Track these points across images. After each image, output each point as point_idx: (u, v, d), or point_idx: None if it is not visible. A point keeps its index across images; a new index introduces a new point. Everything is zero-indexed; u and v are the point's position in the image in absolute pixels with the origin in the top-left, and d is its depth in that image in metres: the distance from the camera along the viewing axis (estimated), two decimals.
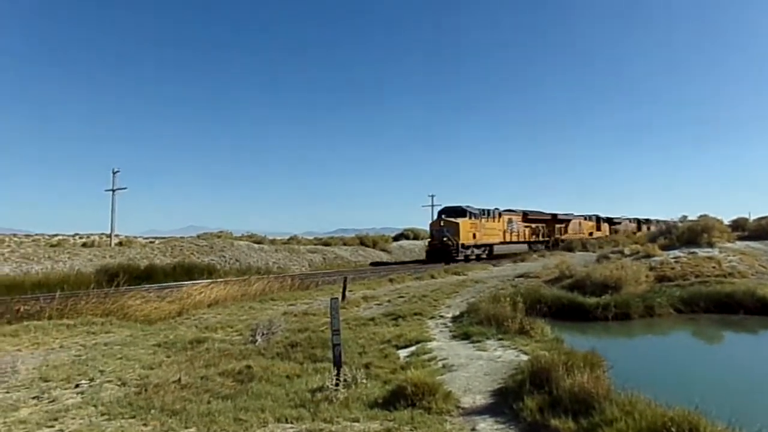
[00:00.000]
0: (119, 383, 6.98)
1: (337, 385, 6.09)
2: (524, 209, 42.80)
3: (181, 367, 7.58)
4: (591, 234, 50.22)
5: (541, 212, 44.83)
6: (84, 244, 33.60)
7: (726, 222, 30.45)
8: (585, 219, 51.43)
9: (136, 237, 42.13)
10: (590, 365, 6.05)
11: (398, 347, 8.91)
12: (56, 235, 45.09)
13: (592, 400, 5.11)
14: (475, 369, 7.28)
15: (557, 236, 45.13)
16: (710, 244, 21.78)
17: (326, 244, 44.63)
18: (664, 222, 62.06)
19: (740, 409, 5.19)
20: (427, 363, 7.72)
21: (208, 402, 5.94)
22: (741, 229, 31.13)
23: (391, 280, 20.61)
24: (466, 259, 32.55)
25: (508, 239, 38.73)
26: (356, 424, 5.20)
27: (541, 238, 43.34)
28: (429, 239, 35.60)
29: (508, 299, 11.48)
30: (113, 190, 36.90)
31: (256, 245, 36.85)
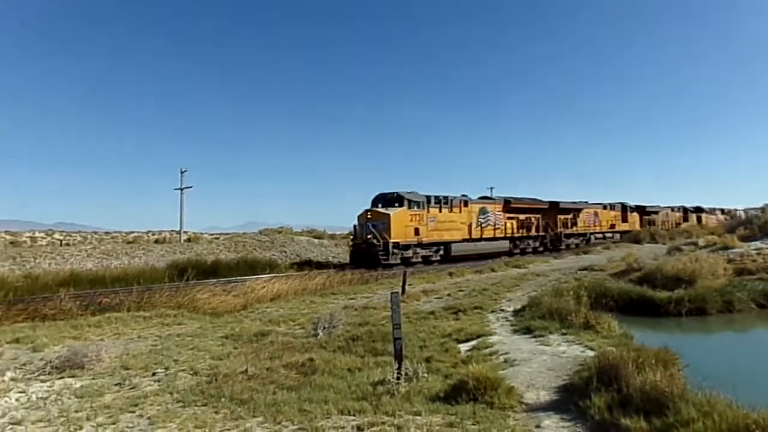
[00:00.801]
0: (192, 372, 7.34)
1: (398, 378, 6.12)
2: (507, 196, 33.74)
3: (247, 359, 7.88)
4: (613, 227, 42.39)
5: (534, 200, 35.83)
6: (156, 241, 35.59)
7: None
8: (605, 208, 42.41)
9: (201, 233, 44.16)
10: (663, 363, 5.78)
11: (459, 341, 8.85)
12: (132, 233, 48.12)
13: (665, 399, 4.86)
14: (538, 364, 7.11)
15: (560, 230, 36.15)
16: None
17: None
18: (728, 211, 53.91)
19: None
20: (488, 357, 7.62)
21: (274, 393, 6.14)
22: None
23: (450, 274, 20.46)
24: (406, 263, 24.18)
25: (477, 235, 29.47)
26: (418, 417, 5.21)
27: (534, 233, 34.22)
28: (351, 237, 27.54)
29: (571, 293, 11.14)
30: (181, 189, 38.73)
31: (316, 240, 37.60)
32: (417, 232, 25.40)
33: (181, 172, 38.94)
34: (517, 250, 32.03)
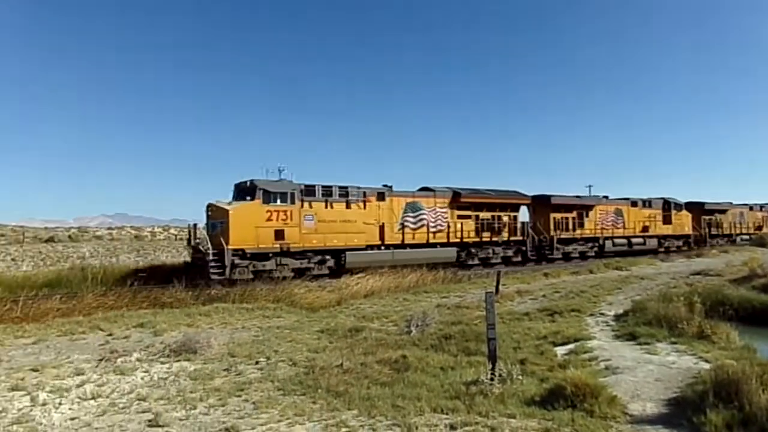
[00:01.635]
0: (290, 363, 7.74)
1: (492, 379, 6.03)
2: (458, 187, 24.88)
3: (342, 353, 8.14)
4: (646, 230, 32.44)
5: (507, 192, 26.64)
6: None
7: None
8: (633, 205, 32.15)
9: None
10: None
11: (555, 344, 8.53)
12: None
13: None
14: (643, 374, 6.66)
15: (554, 234, 27.55)
16: None
17: None
18: None
19: None
20: (587, 363, 7.27)
21: (368, 387, 6.30)
22: None
23: (546, 275, 19.85)
24: (258, 276, 17.70)
25: (397, 240, 22.00)
26: (512, 420, 5.09)
27: (505, 237, 25.69)
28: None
29: (682, 299, 10.30)
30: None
31: None
32: (281, 235, 18.65)
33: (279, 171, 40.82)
34: (475, 260, 24.41)
